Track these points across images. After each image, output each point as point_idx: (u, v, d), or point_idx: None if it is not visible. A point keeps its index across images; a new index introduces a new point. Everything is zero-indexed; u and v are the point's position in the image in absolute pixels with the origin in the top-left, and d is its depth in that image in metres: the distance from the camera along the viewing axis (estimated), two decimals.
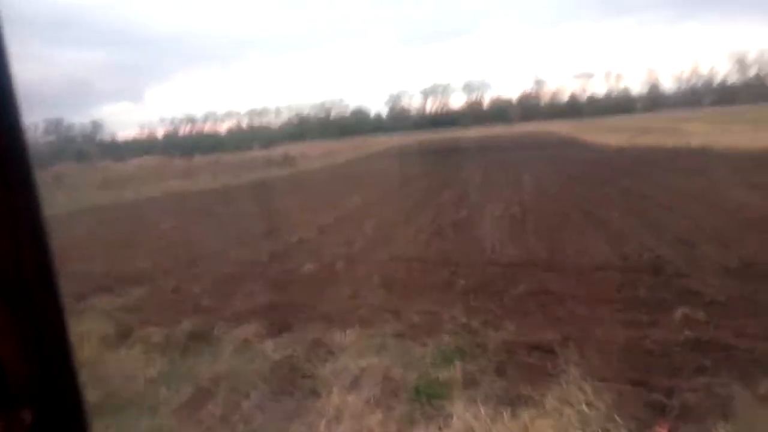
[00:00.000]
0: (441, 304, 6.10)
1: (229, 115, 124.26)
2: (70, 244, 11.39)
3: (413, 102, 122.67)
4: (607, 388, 3.99)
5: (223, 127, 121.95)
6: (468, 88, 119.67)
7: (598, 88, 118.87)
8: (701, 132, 32.01)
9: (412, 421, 3.77)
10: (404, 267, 7.85)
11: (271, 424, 3.95)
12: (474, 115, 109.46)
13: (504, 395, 4.04)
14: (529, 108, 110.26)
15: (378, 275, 7.44)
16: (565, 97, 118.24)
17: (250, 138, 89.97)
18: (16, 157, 0.65)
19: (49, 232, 0.73)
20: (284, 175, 29.83)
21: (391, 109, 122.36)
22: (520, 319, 5.49)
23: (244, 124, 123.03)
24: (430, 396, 4.07)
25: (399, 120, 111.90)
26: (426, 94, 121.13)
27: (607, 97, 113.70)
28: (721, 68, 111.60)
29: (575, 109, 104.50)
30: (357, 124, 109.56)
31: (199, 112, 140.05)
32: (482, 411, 3.77)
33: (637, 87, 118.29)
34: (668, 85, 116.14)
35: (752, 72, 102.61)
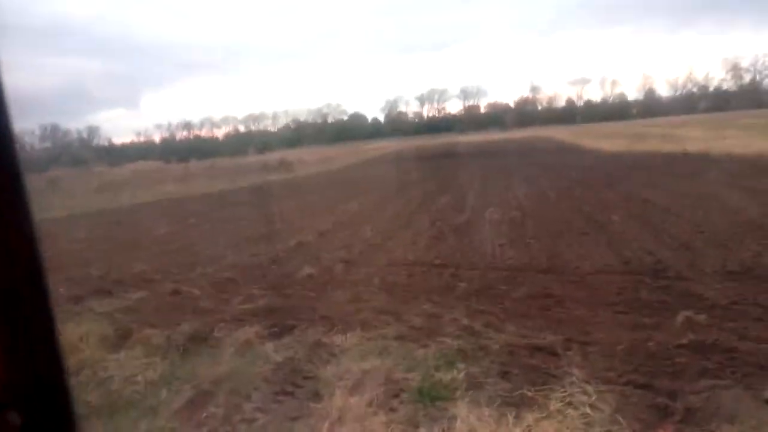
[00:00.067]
0: (442, 306, 6.08)
1: (225, 120, 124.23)
2: (67, 248, 11.35)
3: (410, 108, 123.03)
4: (611, 390, 3.98)
5: (220, 133, 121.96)
6: (465, 93, 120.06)
7: (594, 94, 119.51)
8: (697, 138, 32.15)
9: (415, 423, 3.75)
10: (404, 270, 7.83)
11: (273, 426, 3.92)
12: (471, 120, 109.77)
13: (507, 397, 4.02)
14: (525, 114, 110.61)
15: (378, 278, 7.42)
16: (561, 102, 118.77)
17: (246, 143, 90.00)
18: (6, 164, 0.63)
19: (40, 237, 0.72)
20: (281, 180, 29.82)
21: (388, 115, 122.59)
22: (521, 322, 5.48)
23: (241, 129, 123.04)
24: (433, 398, 4.04)
25: (396, 125, 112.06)
26: (423, 99, 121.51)
27: (603, 103, 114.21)
28: (716, 75, 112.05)
29: (571, 114, 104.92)
30: (354, 130, 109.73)
31: (195, 118, 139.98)
32: (486, 413, 3.75)
33: (632, 93, 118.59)
34: (663, 91, 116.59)
35: (746, 79, 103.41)
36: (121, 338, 5.81)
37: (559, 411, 3.76)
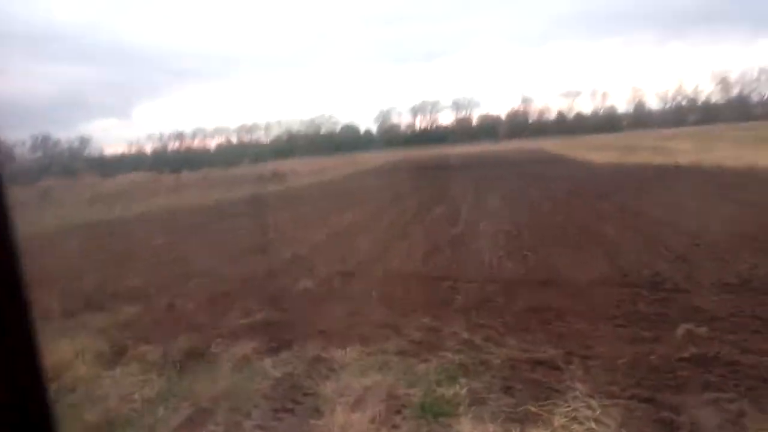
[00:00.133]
0: (441, 320, 6.05)
1: (218, 131, 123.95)
2: (60, 261, 11.22)
3: (403, 119, 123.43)
4: (615, 405, 3.95)
5: (212, 144, 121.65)
6: (457, 105, 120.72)
7: (585, 106, 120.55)
8: (688, 150, 32.46)
9: None
10: (402, 283, 7.80)
11: None
12: (463, 131, 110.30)
13: (511, 413, 3.98)
14: (517, 125, 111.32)
15: (376, 292, 7.38)
16: (552, 114, 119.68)
17: (239, 154, 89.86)
18: None
19: (21, 249, 0.69)
20: (275, 192, 29.74)
21: (381, 126, 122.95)
22: (522, 336, 5.45)
23: (234, 140, 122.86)
24: (436, 414, 4.00)
25: (388, 136, 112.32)
26: (415, 111, 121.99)
27: (594, 115, 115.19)
28: (705, 88, 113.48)
29: (562, 126, 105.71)
30: (346, 141, 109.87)
31: (187, 128, 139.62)
32: (490, 429, 3.72)
33: (622, 105, 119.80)
34: (653, 103, 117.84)
35: (734, 92, 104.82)
36: (117, 354, 5.72)
37: (563, 426, 3.74)
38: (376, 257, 9.76)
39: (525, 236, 10.58)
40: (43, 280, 9.79)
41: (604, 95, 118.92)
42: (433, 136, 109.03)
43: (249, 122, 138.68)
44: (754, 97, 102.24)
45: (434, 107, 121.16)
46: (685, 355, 4.63)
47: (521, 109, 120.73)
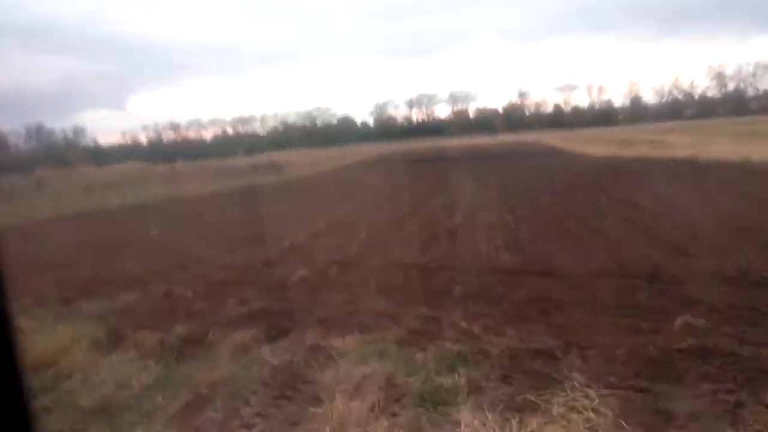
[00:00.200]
0: (440, 309, 6.04)
1: (213, 122, 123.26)
2: (56, 249, 11.17)
3: (399, 111, 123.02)
4: (613, 395, 3.95)
5: (208, 135, 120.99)
6: (454, 98, 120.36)
7: (581, 100, 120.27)
8: (684, 144, 32.52)
9: (418, 428, 3.71)
10: (400, 273, 7.79)
11: (273, 431, 3.85)
12: (460, 124, 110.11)
13: (510, 402, 3.98)
14: (514, 118, 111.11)
15: (374, 281, 7.37)
16: (549, 108, 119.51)
17: (235, 145, 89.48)
18: None
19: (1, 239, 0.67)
20: (271, 182, 29.65)
21: (377, 119, 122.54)
22: (521, 326, 5.45)
23: (229, 131, 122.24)
24: (435, 403, 4.00)
25: (385, 129, 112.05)
26: (412, 103, 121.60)
27: (590, 109, 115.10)
28: (701, 83, 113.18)
29: (559, 120, 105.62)
30: (343, 133, 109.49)
31: (183, 119, 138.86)
32: (489, 418, 3.71)
33: (619, 99, 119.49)
34: (649, 98, 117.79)
35: (730, 86, 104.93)
36: (114, 341, 5.70)
37: (562, 416, 3.73)
38: (375, 247, 9.75)
39: (522, 228, 10.58)
40: (39, 268, 9.76)
41: (601, 89, 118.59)
42: (430, 128, 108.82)
43: (245, 114, 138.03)
44: (750, 92, 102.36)
45: (431, 100, 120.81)
46: (683, 346, 4.63)
47: (518, 102, 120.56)
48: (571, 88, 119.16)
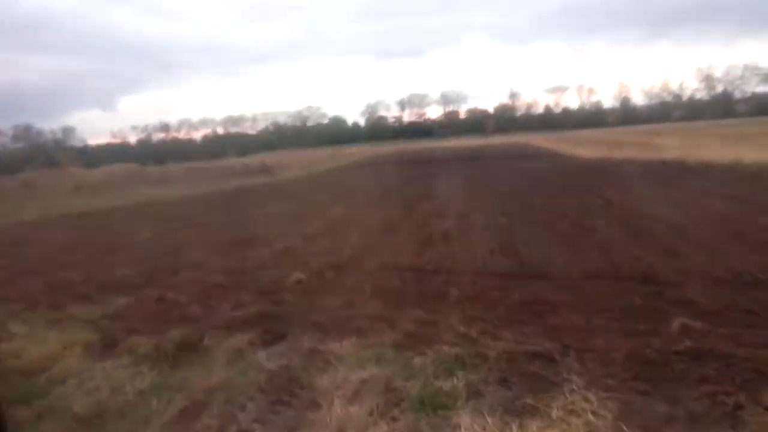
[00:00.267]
0: (437, 313, 6.02)
1: (204, 122, 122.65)
2: (45, 252, 11.03)
3: (390, 112, 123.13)
4: (611, 397, 3.95)
5: (198, 135, 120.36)
6: (445, 99, 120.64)
7: (572, 101, 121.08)
8: (673, 145, 32.73)
9: None
10: (395, 276, 7.77)
11: None
12: (451, 125, 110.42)
13: (509, 406, 3.97)
14: (504, 120, 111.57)
15: (370, 284, 7.34)
16: (539, 109, 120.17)
17: (225, 146, 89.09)
18: None
19: None
20: (263, 184, 29.53)
21: (369, 119, 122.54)
22: (517, 329, 5.44)
23: (220, 131, 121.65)
24: (435, 407, 3.98)
25: (376, 130, 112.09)
26: (403, 104, 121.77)
27: (580, 111, 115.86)
28: (690, 85, 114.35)
29: (550, 121, 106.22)
30: (334, 134, 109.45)
31: (173, 120, 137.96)
32: (489, 422, 3.70)
33: (609, 101, 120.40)
34: (639, 99, 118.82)
35: (718, 89, 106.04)
36: (107, 346, 5.63)
37: (562, 419, 3.73)
38: (370, 250, 9.71)
39: (516, 230, 10.59)
40: (28, 272, 9.66)
41: (591, 91, 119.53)
42: (421, 129, 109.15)
43: (235, 114, 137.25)
44: (738, 94, 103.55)
45: (422, 101, 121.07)
46: (680, 348, 4.64)
47: (509, 103, 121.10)
48: (561, 89, 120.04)
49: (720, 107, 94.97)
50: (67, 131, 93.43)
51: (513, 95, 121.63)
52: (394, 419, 3.88)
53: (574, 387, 4.12)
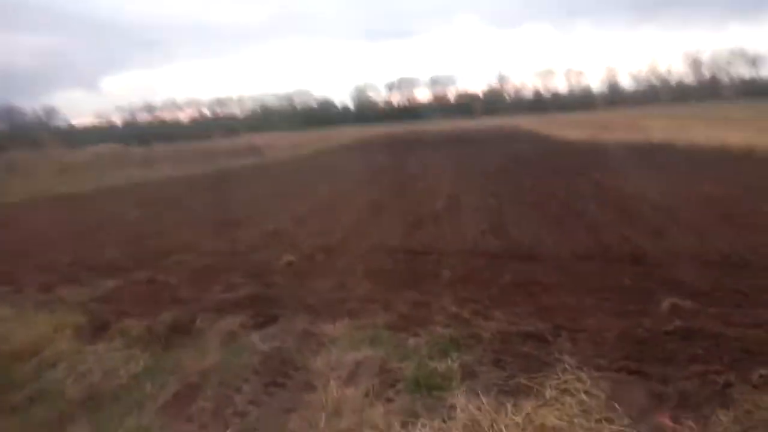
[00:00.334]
0: (429, 294, 6.04)
1: (190, 103, 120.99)
2: (32, 234, 10.88)
3: (379, 94, 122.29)
4: (604, 377, 4.00)
5: (185, 116, 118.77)
6: (434, 81, 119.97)
7: (560, 84, 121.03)
8: (661, 128, 32.87)
9: (414, 413, 3.69)
10: (387, 257, 7.77)
11: (268, 419, 3.81)
12: (440, 108, 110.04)
13: (503, 386, 4.00)
14: (493, 103, 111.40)
15: (361, 266, 7.34)
16: (528, 92, 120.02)
17: (212, 127, 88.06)
18: None
19: None
20: (252, 165, 29.31)
21: (357, 102, 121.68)
22: (509, 309, 5.47)
23: (207, 113, 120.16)
24: (430, 388, 4.00)
25: (365, 112, 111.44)
26: (392, 86, 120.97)
27: (569, 94, 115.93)
28: (677, 68, 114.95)
29: (538, 104, 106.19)
30: (323, 116, 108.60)
31: (158, 100, 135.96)
32: (484, 402, 3.73)
33: (597, 85, 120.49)
34: (627, 83, 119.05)
35: (705, 73, 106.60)
36: (98, 329, 5.58)
37: (555, 398, 3.76)
38: (360, 232, 9.71)
39: (506, 211, 10.62)
40: (15, 254, 9.53)
41: (579, 74, 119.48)
42: (410, 112, 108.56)
43: (222, 95, 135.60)
44: (724, 78, 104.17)
45: (411, 83, 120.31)
46: (671, 328, 4.70)
47: (498, 86, 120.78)
48: (550, 72, 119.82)
49: (707, 91, 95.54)
50: (50, 112, 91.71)
51: (502, 78, 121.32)
52: (389, 400, 3.90)
53: (567, 367, 4.15)
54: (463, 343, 4.72)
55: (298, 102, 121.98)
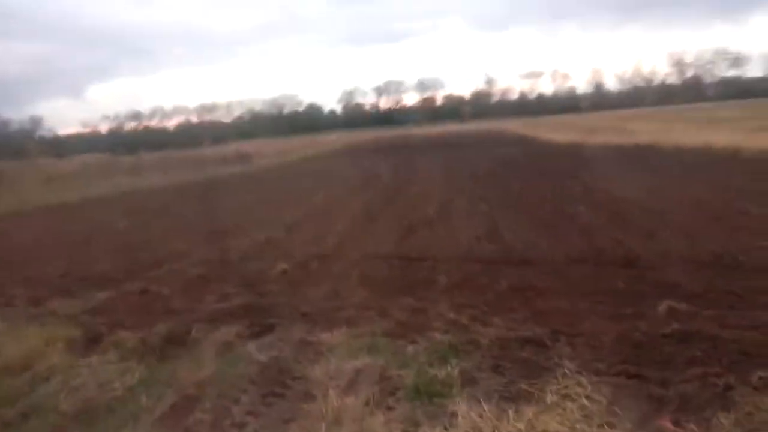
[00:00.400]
0: (426, 300, 6.02)
1: (177, 110, 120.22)
2: (20, 245, 10.72)
3: (367, 99, 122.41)
4: (604, 381, 4.00)
5: (171, 124, 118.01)
6: (421, 85, 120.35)
7: (546, 87, 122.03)
8: (646, 130, 33.25)
9: (415, 421, 3.67)
10: (381, 264, 7.74)
11: (267, 430, 3.77)
12: (428, 112, 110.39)
13: (504, 392, 3.98)
14: (481, 106, 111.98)
15: (356, 273, 7.31)
16: (515, 95, 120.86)
17: (200, 134, 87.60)
18: None
19: None
20: (241, 173, 29.17)
21: (345, 106, 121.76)
22: (506, 315, 5.47)
23: (194, 120, 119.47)
24: (430, 395, 3.97)
25: (353, 117, 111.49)
26: (379, 91, 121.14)
27: (555, 96, 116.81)
28: (661, 69, 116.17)
29: (525, 107, 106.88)
30: (310, 121, 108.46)
31: (144, 108, 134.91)
32: (486, 409, 3.71)
33: (582, 86, 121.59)
34: (612, 84, 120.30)
35: (689, 73, 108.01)
36: (91, 342, 5.49)
37: (557, 404, 3.75)
38: (354, 239, 9.67)
39: (498, 216, 10.64)
40: (3, 266, 9.38)
41: (565, 76, 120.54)
42: (398, 116, 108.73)
43: (209, 102, 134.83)
44: (708, 79, 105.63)
45: (399, 87, 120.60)
46: (668, 331, 4.72)
47: (485, 89, 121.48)
48: (536, 75, 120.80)
49: (691, 91, 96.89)
50: (36, 121, 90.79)
51: (489, 81, 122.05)
52: (390, 408, 3.87)
53: (567, 372, 4.15)
54: (461, 349, 4.70)
55: (286, 108, 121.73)
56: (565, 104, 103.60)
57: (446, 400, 3.91)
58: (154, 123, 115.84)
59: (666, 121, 40.14)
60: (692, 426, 3.35)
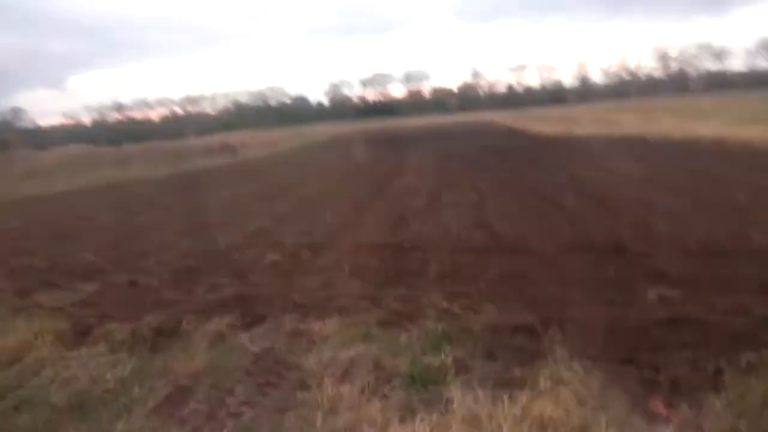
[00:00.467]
0: (418, 290, 6.03)
1: (161, 102, 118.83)
2: (4, 238, 10.54)
3: (354, 91, 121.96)
4: (596, 367, 4.04)
5: (155, 115, 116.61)
6: (408, 77, 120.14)
7: (533, 80, 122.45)
8: (631, 122, 33.56)
9: (411, 408, 3.68)
10: (372, 254, 7.72)
11: (263, 420, 3.76)
12: (415, 104, 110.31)
13: (498, 378, 4.02)
14: (468, 98, 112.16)
15: (347, 263, 7.29)
16: (502, 88, 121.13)
17: (184, 126, 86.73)
18: None
19: None
20: (227, 165, 28.95)
21: (332, 98, 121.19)
22: (498, 302, 5.49)
23: (179, 111, 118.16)
24: (425, 382, 3.99)
25: (340, 109, 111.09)
26: (366, 83, 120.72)
27: (541, 89, 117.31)
28: (646, 63, 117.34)
29: (512, 99, 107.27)
30: (297, 113, 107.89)
31: (128, 99, 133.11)
32: (480, 395, 3.73)
33: (568, 79, 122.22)
34: (597, 77, 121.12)
35: (674, 67, 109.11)
36: (80, 334, 5.43)
37: (550, 389, 3.78)
38: (344, 229, 9.65)
39: (488, 206, 10.67)
40: None
41: (551, 69, 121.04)
42: (385, 108, 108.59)
43: (194, 93, 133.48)
44: (692, 72, 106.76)
45: (386, 79, 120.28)
46: (657, 316, 4.78)
47: (472, 82, 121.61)
48: (522, 68, 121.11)
49: (675, 84, 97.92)
50: (16, 112, 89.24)
51: (476, 74, 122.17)
52: (385, 396, 3.88)
53: (559, 357, 4.19)
54: (455, 337, 4.72)
55: (272, 99, 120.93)
56: (552, 97, 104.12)
57: (441, 387, 3.93)
58: (137, 114, 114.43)
59: (652, 113, 40.50)
60: (685, 408, 3.40)
